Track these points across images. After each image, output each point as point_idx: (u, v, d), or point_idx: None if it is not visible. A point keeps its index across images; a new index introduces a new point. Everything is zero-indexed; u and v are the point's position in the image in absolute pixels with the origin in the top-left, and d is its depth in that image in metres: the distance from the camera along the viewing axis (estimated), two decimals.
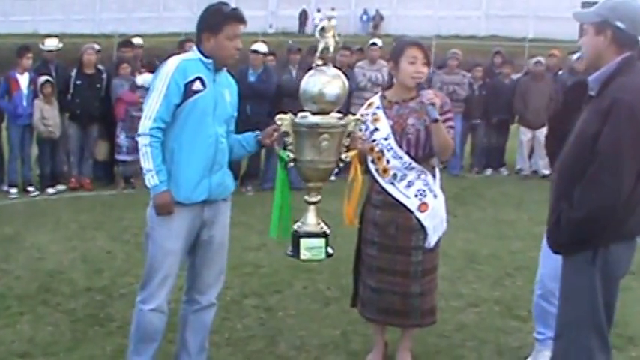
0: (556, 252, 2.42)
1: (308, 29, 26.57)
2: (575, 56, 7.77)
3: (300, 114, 2.62)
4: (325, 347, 3.37)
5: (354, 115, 2.81)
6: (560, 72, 8.57)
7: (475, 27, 27.47)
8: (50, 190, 7.04)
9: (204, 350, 2.98)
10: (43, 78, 6.86)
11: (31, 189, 7.00)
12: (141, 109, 2.95)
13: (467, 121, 8.35)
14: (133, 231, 5.37)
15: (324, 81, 2.55)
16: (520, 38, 23.40)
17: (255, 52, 7.01)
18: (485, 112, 8.38)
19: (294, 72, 7.27)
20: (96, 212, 6.26)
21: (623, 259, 2.28)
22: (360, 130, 2.83)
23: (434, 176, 3.02)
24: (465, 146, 8.70)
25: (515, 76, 8.67)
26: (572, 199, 2.20)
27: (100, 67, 7.33)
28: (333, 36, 2.59)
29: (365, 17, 29.08)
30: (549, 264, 3.05)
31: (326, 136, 2.53)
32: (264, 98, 6.88)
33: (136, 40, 8.35)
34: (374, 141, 2.97)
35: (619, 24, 2.22)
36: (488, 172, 8.50)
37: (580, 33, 2.78)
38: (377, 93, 3.25)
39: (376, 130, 2.99)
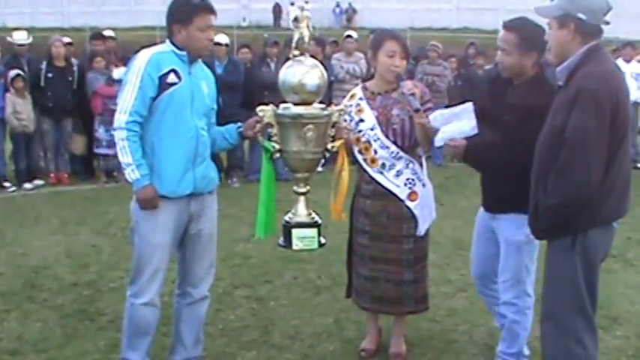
0: (538, 238, 2.50)
1: (283, 22, 26.43)
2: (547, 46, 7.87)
3: (283, 105, 2.62)
4: (319, 335, 3.39)
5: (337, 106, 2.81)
6: None
7: (447, 19, 27.70)
8: (27, 185, 6.90)
9: (200, 342, 2.97)
10: (13, 72, 6.71)
11: (7, 184, 6.86)
12: None
13: None
14: (119, 224, 5.29)
15: (303, 71, 2.55)
16: (492, 30, 23.65)
17: (218, 43, 6.98)
18: (462, 103, 8.46)
19: (272, 65, 7.26)
20: (77, 207, 6.15)
21: (602, 245, 2.34)
22: (345, 120, 2.84)
23: (421, 165, 3.05)
24: None
25: (488, 67, 8.77)
26: (547, 187, 2.25)
27: (74, 60, 7.18)
28: (307, 26, 2.59)
29: (338, 10, 29.07)
30: (480, 267, 3.03)
31: (310, 126, 2.54)
32: (234, 90, 6.85)
33: (108, 32, 8.16)
34: (360, 131, 2.98)
35: (581, 15, 2.25)
36: None
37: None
38: (357, 85, 3.26)
39: (361, 120, 2.99)
